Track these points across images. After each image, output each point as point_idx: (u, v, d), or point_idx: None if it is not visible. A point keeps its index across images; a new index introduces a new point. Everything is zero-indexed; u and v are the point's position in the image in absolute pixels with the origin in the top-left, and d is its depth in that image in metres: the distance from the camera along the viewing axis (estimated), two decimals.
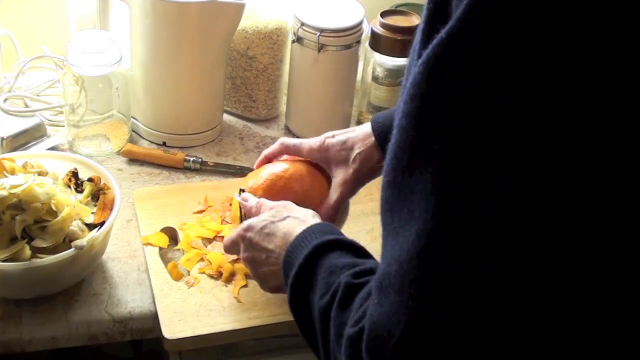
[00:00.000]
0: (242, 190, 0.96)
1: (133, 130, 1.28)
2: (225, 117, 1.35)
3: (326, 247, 0.75)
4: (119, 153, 1.24)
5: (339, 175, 0.96)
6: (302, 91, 1.30)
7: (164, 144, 1.27)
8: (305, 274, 0.74)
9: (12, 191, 0.90)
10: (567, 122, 0.46)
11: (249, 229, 0.87)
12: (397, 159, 0.54)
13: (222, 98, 1.31)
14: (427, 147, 0.51)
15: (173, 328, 0.93)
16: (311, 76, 1.27)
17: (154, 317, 0.96)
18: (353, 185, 0.96)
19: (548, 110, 0.46)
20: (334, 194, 0.96)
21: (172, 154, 1.23)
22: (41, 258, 0.90)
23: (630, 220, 0.48)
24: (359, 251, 0.75)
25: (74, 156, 1.07)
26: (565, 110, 0.46)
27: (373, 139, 0.94)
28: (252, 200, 0.92)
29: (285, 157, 1.01)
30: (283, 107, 1.38)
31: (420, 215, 0.51)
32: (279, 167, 0.98)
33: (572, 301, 0.50)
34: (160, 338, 0.94)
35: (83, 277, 0.99)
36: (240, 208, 0.95)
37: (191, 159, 1.23)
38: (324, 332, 0.67)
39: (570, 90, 0.46)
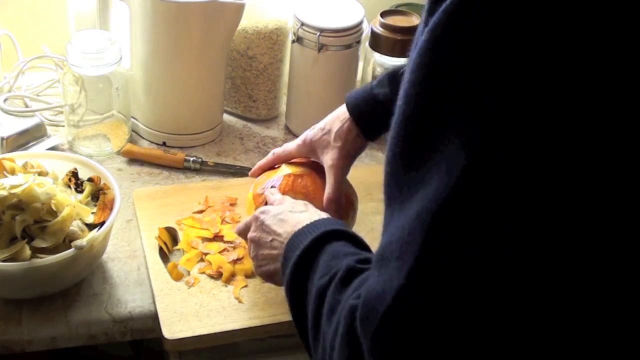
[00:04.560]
0: (272, 187, 0.99)
1: (133, 130, 1.28)
2: (225, 117, 1.35)
3: (333, 235, 0.76)
4: (119, 153, 1.24)
5: (327, 159, 0.98)
6: (302, 91, 1.30)
7: (164, 144, 1.27)
8: (309, 256, 0.74)
9: (12, 191, 0.90)
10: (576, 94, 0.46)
11: (264, 212, 0.89)
12: (407, 129, 0.53)
13: (222, 98, 1.31)
14: (444, 114, 0.50)
15: (173, 328, 0.93)
16: (311, 76, 1.27)
17: (154, 317, 0.96)
18: (342, 163, 0.98)
19: (563, 75, 0.46)
20: (329, 178, 0.97)
21: (172, 154, 1.23)
22: (41, 258, 0.90)
23: (626, 219, 0.48)
24: (364, 245, 0.75)
25: (74, 156, 1.07)
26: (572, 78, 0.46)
27: (348, 114, 0.98)
28: (277, 195, 0.95)
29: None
30: (283, 107, 1.38)
31: (432, 181, 0.50)
32: (287, 170, 1.01)
33: (572, 283, 0.50)
34: (160, 338, 0.94)
35: (83, 277, 0.99)
36: (258, 203, 0.98)
37: (191, 159, 1.23)
38: (316, 310, 0.67)
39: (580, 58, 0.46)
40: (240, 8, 1.17)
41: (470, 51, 0.48)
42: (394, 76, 0.96)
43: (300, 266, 0.74)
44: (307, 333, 0.69)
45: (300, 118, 1.33)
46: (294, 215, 0.85)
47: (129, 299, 0.98)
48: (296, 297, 0.73)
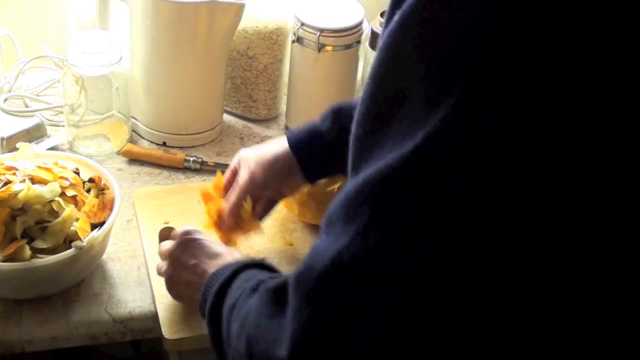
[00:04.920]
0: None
1: (133, 130, 1.28)
2: (225, 117, 1.35)
3: (252, 265, 0.77)
4: (119, 153, 1.24)
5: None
6: (302, 91, 1.30)
7: (164, 144, 1.27)
8: (227, 285, 0.76)
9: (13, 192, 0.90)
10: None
11: (193, 232, 0.90)
12: (370, 106, 0.53)
13: (222, 98, 1.31)
14: (405, 88, 0.49)
15: (173, 328, 0.93)
16: (311, 76, 1.26)
17: (154, 317, 0.96)
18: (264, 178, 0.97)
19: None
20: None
21: (172, 154, 1.23)
22: (41, 258, 0.90)
23: (627, 217, 0.48)
24: (277, 271, 0.77)
25: (74, 156, 1.07)
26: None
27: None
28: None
29: None
30: (283, 107, 1.38)
31: (384, 149, 0.49)
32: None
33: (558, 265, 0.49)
34: (160, 338, 0.94)
35: (83, 277, 0.99)
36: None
37: (191, 159, 1.23)
38: (227, 324, 0.69)
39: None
40: (240, 8, 1.17)
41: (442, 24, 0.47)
42: (338, 111, 0.94)
43: (218, 297, 0.75)
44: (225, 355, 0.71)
45: (300, 118, 1.32)
46: (217, 248, 0.87)
47: (129, 299, 0.98)
48: (215, 325, 0.75)
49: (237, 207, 0.96)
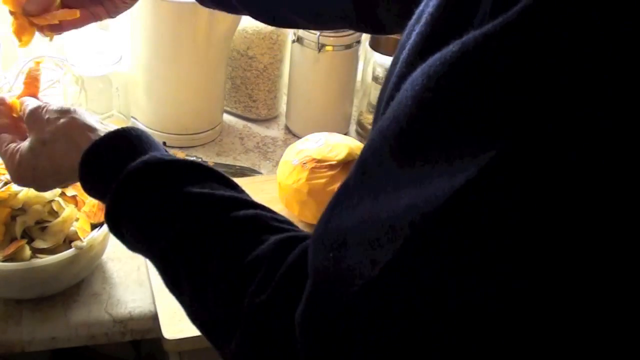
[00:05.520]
0: None
1: None
2: (225, 117, 1.35)
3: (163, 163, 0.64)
4: None
5: None
6: (302, 91, 1.30)
7: (164, 144, 1.27)
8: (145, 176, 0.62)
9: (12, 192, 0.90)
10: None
11: (43, 107, 0.74)
12: (411, 128, 0.49)
13: (222, 98, 1.31)
14: (457, 123, 0.47)
15: (173, 328, 0.93)
16: (311, 76, 1.27)
17: (154, 317, 0.96)
18: None
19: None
20: None
21: (172, 154, 1.23)
22: (41, 258, 0.90)
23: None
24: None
25: None
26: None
27: None
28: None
29: None
30: (283, 107, 1.38)
31: (429, 182, 0.47)
32: None
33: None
34: (160, 338, 0.94)
35: (83, 277, 0.99)
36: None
37: (191, 159, 1.23)
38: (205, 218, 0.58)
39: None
40: None
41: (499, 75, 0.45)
42: None
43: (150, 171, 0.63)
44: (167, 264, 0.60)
45: (300, 118, 1.33)
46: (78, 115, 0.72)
47: (129, 299, 0.98)
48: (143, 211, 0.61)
49: None
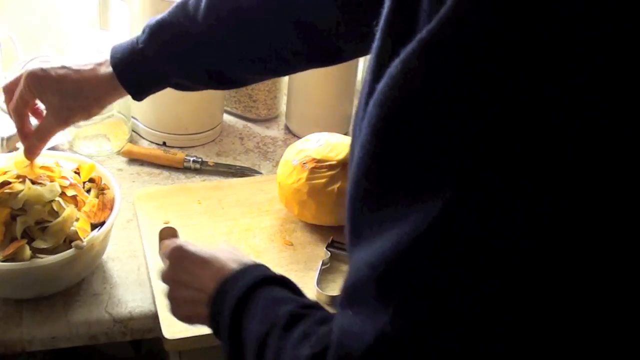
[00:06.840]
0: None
1: (133, 130, 1.29)
2: (225, 117, 1.35)
3: (268, 281, 0.72)
4: (119, 153, 1.24)
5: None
6: (302, 91, 1.30)
7: (164, 144, 1.27)
8: (244, 301, 0.70)
9: (13, 192, 0.90)
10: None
11: (183, 245, 0.82)
12: (376, 166, 0.49)
13: (222, 98, 1.31)
14: (418, 153, 0.46)
15: (173, 328, 0.93)
16: (311, 76, 1.27)
17: (154, 317, 0.96)
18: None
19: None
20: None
21: (172, 154, 1.23)
22: (41, 258, 0.90)
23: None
24: (298, 289, 0.72)
25: (74, 156, 1.07)
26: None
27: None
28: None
29: None
30: (283, 107, 1.38)
31: (409, 219, 0.47)
32: None
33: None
34: (160, 338, 0.94)
35: (83, 277, 0.99)
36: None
37: (191, 159, 1.23)
38: (257, 358, 0.64)
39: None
40: None
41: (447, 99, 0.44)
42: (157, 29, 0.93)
43: (236, 313, 0.70)
44: None
45: (300, 118, 1.33)
46: (204, 253, 0.80)
47: (129, 299, 0.98)
48: (235, 346, 0.70)
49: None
